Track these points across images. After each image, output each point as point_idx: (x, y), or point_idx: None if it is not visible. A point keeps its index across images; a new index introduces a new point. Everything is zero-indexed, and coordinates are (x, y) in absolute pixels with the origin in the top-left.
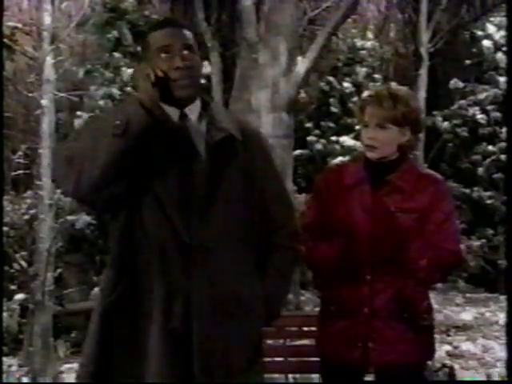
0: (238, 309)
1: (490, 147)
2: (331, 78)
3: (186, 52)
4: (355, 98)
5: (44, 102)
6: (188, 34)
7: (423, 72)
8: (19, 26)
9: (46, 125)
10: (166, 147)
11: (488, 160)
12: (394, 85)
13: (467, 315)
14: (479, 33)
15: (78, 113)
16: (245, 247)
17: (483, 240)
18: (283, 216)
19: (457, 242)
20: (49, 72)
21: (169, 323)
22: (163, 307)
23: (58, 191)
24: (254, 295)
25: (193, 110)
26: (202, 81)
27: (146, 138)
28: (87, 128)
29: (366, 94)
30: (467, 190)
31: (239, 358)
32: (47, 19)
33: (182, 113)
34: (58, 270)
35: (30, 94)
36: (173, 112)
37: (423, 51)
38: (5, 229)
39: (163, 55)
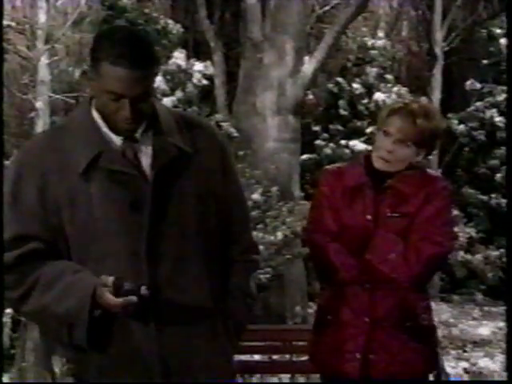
0: (206, 330)
1: None
2: (340, 79)
3: (138, 101)
4: (365, 100)
5: (38, 104)
6: (144, 75)
7: (437, 72)
8: (12, 24)
9: (41, 128)
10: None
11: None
12: (423, 99)
13: (485, 330)
14: (497, 31)
15: None
16: (206, 266)
17: (502, 250)
18: (239, 229)
19: (443, 234)
20: (43, 73)
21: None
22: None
23: None
24: (220, 312)
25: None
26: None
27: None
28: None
29: (397, 103)
30: (484, 197)
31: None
32: (42, 17)
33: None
34: None
35: (24, 96)
36: (115, 137)
37: (438, 50)
38: None
39: (112, 98)
